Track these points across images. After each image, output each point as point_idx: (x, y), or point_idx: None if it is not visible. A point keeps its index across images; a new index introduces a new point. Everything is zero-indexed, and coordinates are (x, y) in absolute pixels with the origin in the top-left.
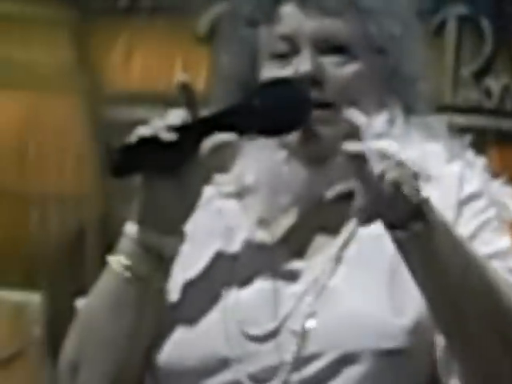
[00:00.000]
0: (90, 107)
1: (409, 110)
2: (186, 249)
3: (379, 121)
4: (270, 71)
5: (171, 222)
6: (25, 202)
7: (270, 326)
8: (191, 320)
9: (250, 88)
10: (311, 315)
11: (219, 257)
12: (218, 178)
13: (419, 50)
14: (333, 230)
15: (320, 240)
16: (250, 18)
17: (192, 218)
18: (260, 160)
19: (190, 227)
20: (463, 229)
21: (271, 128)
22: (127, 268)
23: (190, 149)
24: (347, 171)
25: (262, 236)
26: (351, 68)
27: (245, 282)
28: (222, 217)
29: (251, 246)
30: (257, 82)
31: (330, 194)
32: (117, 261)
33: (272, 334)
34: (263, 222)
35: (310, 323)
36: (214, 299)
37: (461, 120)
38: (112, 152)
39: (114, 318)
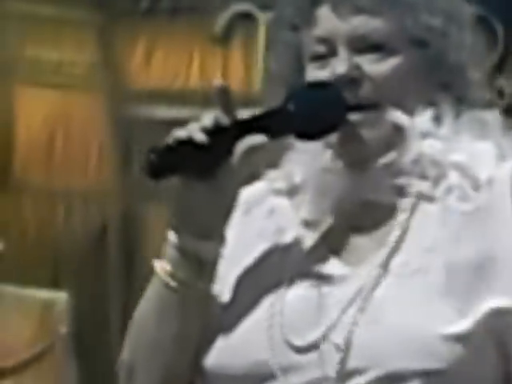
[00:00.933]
0: (113, 105)
1: (461, 101)
2: (238, 249)
3: (424, 119)
4: (312, 73)
5: (207, 227)
6: (50, 200)
7: (313, 337)
8: (238, 324)
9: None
10: (354, 327)
11: (269, 255)
12: (270, 173)
13: (467, 38)
14: (367, 229)
15: (356, 240)
16: (291, 22)
17: (246, 218)
18: (307, 162)
19: (242, 227)
20: None
21: (305, 131)
22: (168, 273)
23: (224, 152)
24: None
25: (307, 238)
26: (389, 64)
27: (290, 284)
28: (274, 216)
29: (297, 247)
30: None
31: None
32: (160, 266)
33: (315, 346)
34: (308, 224)
35: (353, 336)
36: (261, 298)
37: None
38: (148, 153)
39: (159, 322)
